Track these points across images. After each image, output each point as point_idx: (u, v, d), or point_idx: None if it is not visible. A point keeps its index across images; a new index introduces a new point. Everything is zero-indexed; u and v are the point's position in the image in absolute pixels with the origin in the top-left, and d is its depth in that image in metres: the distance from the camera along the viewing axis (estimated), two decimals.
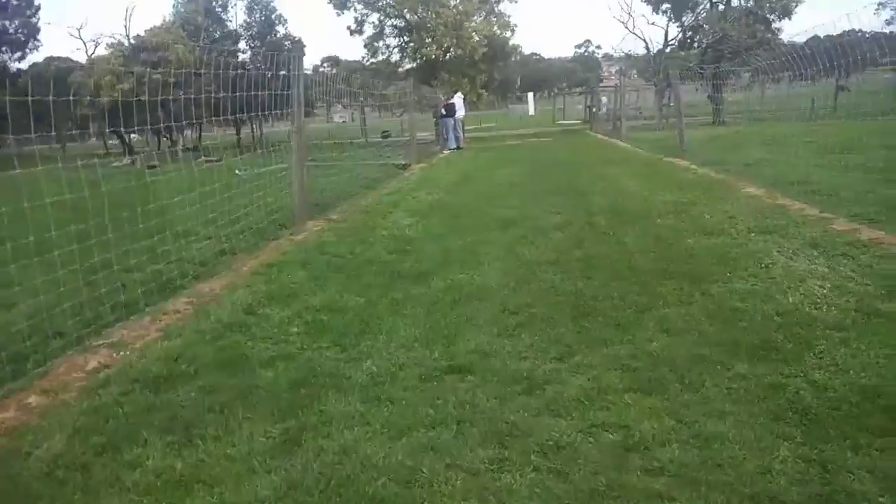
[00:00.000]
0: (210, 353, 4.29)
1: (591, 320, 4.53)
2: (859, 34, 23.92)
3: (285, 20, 41.49)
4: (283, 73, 8.75)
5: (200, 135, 38.21)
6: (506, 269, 6.00)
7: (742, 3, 35.55)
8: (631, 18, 41.01)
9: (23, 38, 42.42)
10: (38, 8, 42.89)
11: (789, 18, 35.38)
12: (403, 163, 18.28)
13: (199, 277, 6.37)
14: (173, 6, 39.96)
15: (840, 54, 15.69)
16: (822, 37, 19.01)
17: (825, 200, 8.17)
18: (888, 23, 32.67)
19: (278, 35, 40.47)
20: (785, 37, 34.75)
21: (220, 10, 40.49)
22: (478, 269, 6.07)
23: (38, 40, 43.11)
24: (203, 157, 17.79)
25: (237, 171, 11.96)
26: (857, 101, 24.06)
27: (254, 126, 39.54)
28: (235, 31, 40.46)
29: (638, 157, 16.38)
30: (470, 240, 7.35)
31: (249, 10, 40.66)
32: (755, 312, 4.46)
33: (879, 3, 32.04)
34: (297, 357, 4.17)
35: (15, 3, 41.48)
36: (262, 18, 40.70)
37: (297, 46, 32.89)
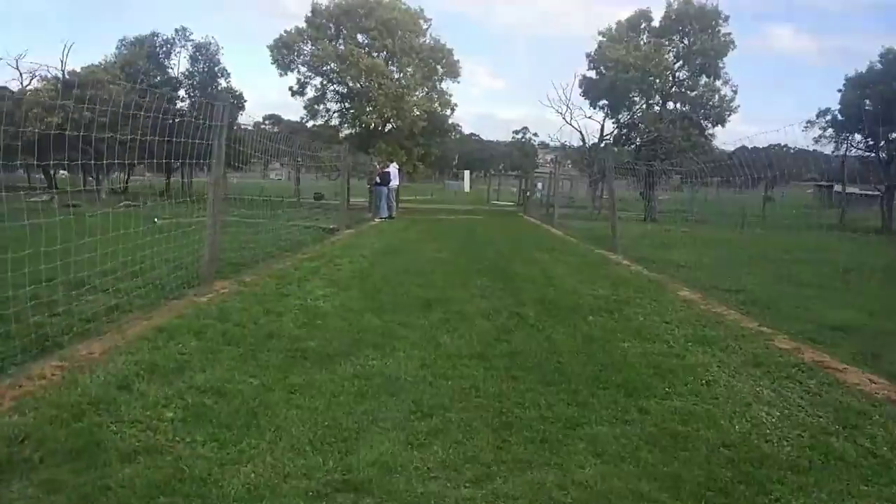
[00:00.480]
0: (63, 437, 3.60)
1: (515, 434, 3.97)
2: (785, 149, 25.05)
3: (228, 73, 41.04)
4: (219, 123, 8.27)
5: (129, 177, 36.93)
6: (423, 359, 5.43)
7: (678, 107, 37.04)
8: (569, 110, 42.24)
9: None
10: None
11: (722, 125, 37.09)
12: (332, 226, 17.87)
13: (82, 336, 5.63)
14: (115, 48, 39.31)
15: (767, 166, 16.18)
16: (749, 148, 19.78)
17: (762, 313, 7.94)
18: (815, 140, 34.40)
19: (220, 87, 39.90)
20: (717, 143, 36.36)
21: (163, 56, 39.85)
22: (392, 355, 5.51)
23: None
24: (125, 201, 17.10)
25: (155, 219, 11.30)
26: (783, 212, 24.92)
27: (183, 174, 38.55)
28: (176, 78, 39.74)
29: (569, 246, 16.21)
30: (388, 319, 6.80)
31: (193, 59, 40.19)
32: (698, 440, 3.96)
33: (808, 122, 33.83)
34: (166, 452, 3.51)
35: None
36: (205, 69, 40.18)
37: (223, 96, 32.39)
